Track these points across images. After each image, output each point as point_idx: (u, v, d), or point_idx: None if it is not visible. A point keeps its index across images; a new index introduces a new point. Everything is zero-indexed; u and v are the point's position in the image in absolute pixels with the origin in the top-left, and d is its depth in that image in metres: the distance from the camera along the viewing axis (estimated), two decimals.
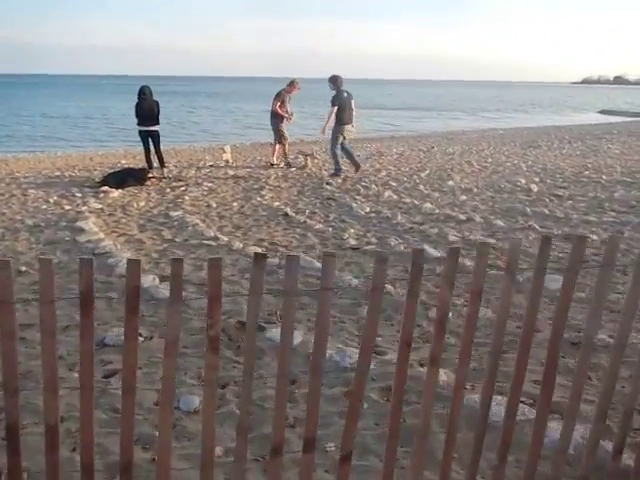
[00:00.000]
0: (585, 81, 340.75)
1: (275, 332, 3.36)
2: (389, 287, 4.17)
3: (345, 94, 9.36)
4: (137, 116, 9.41)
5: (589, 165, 11.35)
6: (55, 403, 1.71)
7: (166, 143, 9.87)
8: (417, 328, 3.52)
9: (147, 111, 9.30)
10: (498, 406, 2.36)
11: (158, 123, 9.42)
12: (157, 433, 1.95)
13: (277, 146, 10.93)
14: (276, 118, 10.53)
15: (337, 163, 9.59)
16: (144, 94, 9.37)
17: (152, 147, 9.44)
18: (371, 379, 2.85)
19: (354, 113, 9.55)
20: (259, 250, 5.22)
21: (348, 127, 9.45)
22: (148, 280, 4.26)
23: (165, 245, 5.44)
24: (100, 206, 7.17)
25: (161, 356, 3.23)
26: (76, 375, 2.99)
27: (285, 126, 10.61)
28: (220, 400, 2.76)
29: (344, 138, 9.50)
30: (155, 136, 9.43)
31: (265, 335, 3.38)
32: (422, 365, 3.03)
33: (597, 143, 16.77)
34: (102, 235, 5.66)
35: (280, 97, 10.42)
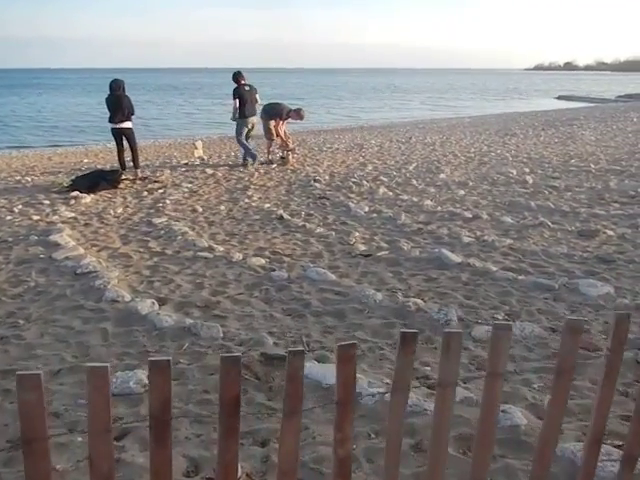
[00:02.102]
0: (537, 67, 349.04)
1: (309, 366, 2.90)
2: (419, 302, 3.76)
3: (247, 87, 9.69)
4: (110, 112, 8.63)
5: (572, 153, 11.25)
6: None
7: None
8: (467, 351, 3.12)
9: (120, 107, 8.54)
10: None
11: (131, 120, 8.70)
12: None
13: (268, 142, 10.46)
14: (267, 116, 10.04)
15: (248, 150, 10.03)
16: (116, 88, 8.60)
17: (126, 145, 8.71)
18: None
19: (258, 103, 9.92)
20: (262, 261, 4.73)
21: (251, 119, 9.80)
22: (146, 306, 3.72)
23: (155, 259, 4.87)
24: (73, 214, 6.49)
25: (181, 405, 2.75)
26: (80, 439, 2.47)
27: (275, 126, 10.08)
28: (264, 463, 2.29)
29: (249, 130, 9.88)
30: (129, 134, 8.71)
31: None
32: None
33: (570, 130, 16.83)
34: (81, 250, 5.04)
35: (283, 117, 10.04)
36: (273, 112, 10.11)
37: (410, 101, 44.28)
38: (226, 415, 1.35)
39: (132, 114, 8.66)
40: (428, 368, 2.97)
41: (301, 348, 1.41)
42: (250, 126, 9.79)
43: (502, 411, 2.45)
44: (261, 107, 10.07)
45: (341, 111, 33.44)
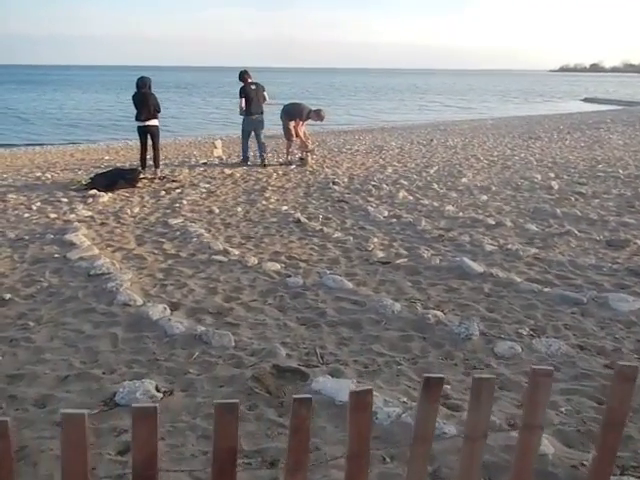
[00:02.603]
0: (562, 69, 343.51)
1: (322, 380, 2.78)
2: (439, 314, 3.61)
3: (253, 86, 9.79)
4: (137, 109, 8.59)
5: (599, 158, 10.92)
6: None
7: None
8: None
9: (146, 104, 8.51)
10: None
11: (157, 117, 8.66)
12: None
13: (287, 142, 10.44)
14: (287, 117, 10.02)
15: (244, 151, 10.31)
16: (142, 86, 8.57)
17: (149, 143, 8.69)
18: (458, 450, 2.28)
19: (267, 102, 10.04)
20: (277, 266, 4.62)
21: (258, 117, 9.87)
22: (157, 311, 3.63)
23: (170, 262, 4.80)
24: (90, 213, 6.47)
25: (189, 419, 2.65)
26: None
27: (295, 126, 10.03)
28: None
29: (257, 128, 9.94)
30: (155, 131, 8.68)
31: (310, 386, 2.78)
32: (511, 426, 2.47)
33: (596, 133, 16.42)
34: (96, 250, 4.99)
35: (304, 117, 9.98)
36: (293, 112, 10.02)
37: (430, 102, 43.84)
38: (219, 472, 1.18)
39: (158, 112, 8.66)
40: (448, 386, 2.82)
41: (309, 395, 1.25)
42: (256, 125, 9.88)
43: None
44: (269, 105, 10.22)
45: (360, 112, 33.18)
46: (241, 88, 9.78)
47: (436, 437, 2.38)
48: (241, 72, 9.93)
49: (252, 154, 10.59)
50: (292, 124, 10.00)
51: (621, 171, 9.18)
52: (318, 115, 10.02)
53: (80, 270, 4.49)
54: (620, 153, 11.65)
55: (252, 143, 10.42)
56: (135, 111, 8.65)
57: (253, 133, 10.02)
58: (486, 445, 2.31)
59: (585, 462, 2.15)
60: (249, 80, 9.80)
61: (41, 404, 2.68)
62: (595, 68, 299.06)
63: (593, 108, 36.08)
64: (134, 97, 8.65)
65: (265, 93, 9.94)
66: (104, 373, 2.96)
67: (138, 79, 8.66)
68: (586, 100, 47.44)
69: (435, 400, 1.32)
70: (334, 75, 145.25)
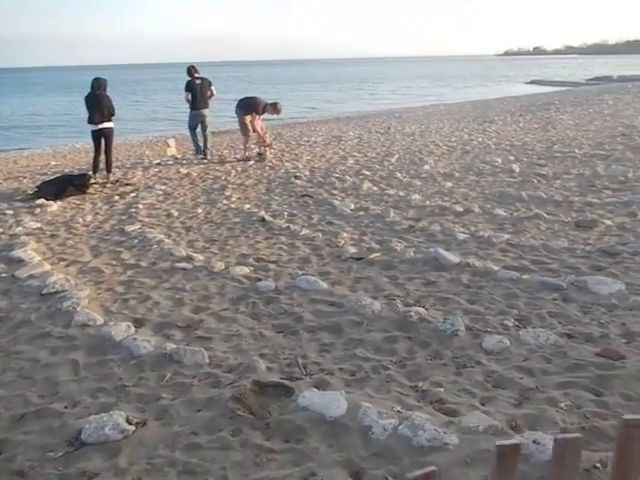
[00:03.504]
0: (507, 53, 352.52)
1: (309, 395, 2.58)
2: (421, 310, 3.46)
3: (199, 81, 9.83)
4: (89, 112, 8.06)
5: (554, 139, 11.08)
6: None
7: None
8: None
9: (99, 107, 7.99)
10: None
11: (111, 120, 8.17)
12: None
13: (244, 138, 10.13)
14: (242, 111, 9.74)
15: (195, 144, 10.29)
16: (97, 87, 8.03)
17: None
18: (464, 462, 2.13)
19: (214, 97, 10.08)
20: (246, 270, 4.38)
21: (203, 111, 9.87)
22: (121, 330, 3.34)
23: (129, 273, 4.48)
24: (38, 225, 6.02)
25: (167, 452, 2.40)
26: None
27: (251, 121, 9.74)
28: None
29: (202, 122, 9.95)
30: (109, 134, 8.18)
31: (296, 402, 2.57)
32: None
33: (547, 115, 16.73)
34: (47, 266, 4.61)
35: (260, 111, 9.77)
36: (249, 107, 9.72)
37: (380, 91, 43.96)
38: None
39: (112, 114, 8.15)
40: (441, 389, 2.67)
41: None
42: (200, 118, 9.89)
43: (534, 442, 2.16)
44: (216, 100, 10.43)
45: (309, 103, 32.81)
46: (187, 82, 9.82)
47: (438, 449, 2.24)
48: (188, 67, 9.96)
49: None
50: (248, 118, 9.69)
51: (577, 151, 9.31)
52: (275, 108, 9.75)
53: (31, 289, 4.12)
54: (573, 133, 11.87)
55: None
56: (87, 113, 8.11)
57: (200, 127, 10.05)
58: (492, 453, 2.19)
59: (597, 464, 2.04)
60: (195, 75, 9.83)
61: None
62: (538, 51, 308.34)
63: (539, 90, 36.98)
64: (87, 99, 8.11)
65: (212, 88, 9.97)
66: (66, 407, 2.66)
67: (93, 80, 8.13)
68: (532, 82, 48.65)
69: (512, 472, 1.11)
70: (270, 67, 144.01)
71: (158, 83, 64.76)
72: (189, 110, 9.93)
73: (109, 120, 8.09)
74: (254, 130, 9.79)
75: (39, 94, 49.34)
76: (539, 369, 2.81)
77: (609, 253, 4.39)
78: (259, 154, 9.89)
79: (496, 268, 4.14)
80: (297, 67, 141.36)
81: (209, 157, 10.17)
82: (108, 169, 8.26)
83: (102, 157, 8.30)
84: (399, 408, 2.50)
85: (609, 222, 5.24)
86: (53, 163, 12.14)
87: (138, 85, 59.65)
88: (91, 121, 8.07)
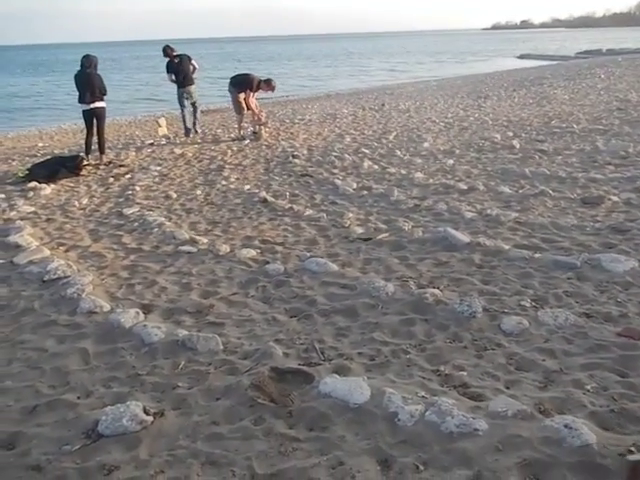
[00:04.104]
0: (494, 27, 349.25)
1: (330, 381, 2.52)
2: (436, 292, 3.40)
3: (177, 59, 9.85)
4: (79, 91, 7.76)
5: (550, 114, 10.99)
6: None
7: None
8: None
9: (90, 85, 7.68)
10: None
11: (103, 99, 7.89)
12: None
13: (238, 117, 9.94)
14: (235, 89, 9.53)
15: (185, 125, 10.30)
16: (87, 65, 7.70)
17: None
18: (496, 449, 2.09)
19: (197, 71, 10.14)
20: (252, 252, 4.28)
21: (189, 88, 9.92)
22: (129, 317, 3.25)
23: (132, 257, 4.37)
24: (33, 209, 5.85)
25: (188, 443, 2.33)
26: None
27: (245, 98, 9.56)
28: None
29: (190, 99, 10.05)
30: (101, 114, 7.90)
31: (317, 389, 2.50)
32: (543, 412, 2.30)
33: (540, 89, 16.61)
34: (47, 251, 4.48)
35: (254, 88, 9.52)
36: (242, 84, 9.49)
37: (368, 66, 43.41)
38: None
39: (104, 94, 7.87)
40: (464, 373, 2.62)
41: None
42: (187, 95, 9.97)
43: (565, 426, 2.12)
44: (201, 78, 10.83)
45: (298, 80, 32.29)
46: (167, 63, 9.89)
47: (467, 436, 2.19)
48: (164, 48, 9.95)
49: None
50: (242, 96, 9.48)
51: (575, 126, 9.24)
52: (269, 85, 9.52)
53: (32, 276, 4.00)
54: (569, 108, 11.78)
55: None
56: (78, 93, 7.82)
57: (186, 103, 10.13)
58: (523, 438, 2.15)
59: (632, 448, 2.00)
60: (173, 54, 9.86)
61: (9, 445, 2.29)
62: (525, 25, 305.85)
63: (530, 64, 36.73)
64: (77, 77, 7.80)
65: (194, 62, 9.99)
66: (79, 398, 2.58)
67: (83, 57, 7.79)
68: (522, 57, 48.33)
69: None
70: (265, 44, 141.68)
71: (138, 62, 63.31)
72: (176, 88, 9.98)
73: (101, 99, 7.83)
74: (248, 108, 9.58)
75: (20, 74, 48.11)
76: (561, 350, 2.77)
77: (619, 230, 4.35)
78: (254, 133, 9.71)
79: (507, 247, 4.08)
80: (278, 43, 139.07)
81: (199, 131, 10.44)
82: (101, 150, 8.04)
83: (94, 138, 8.07)
84: (423, 393, 2.44)
85: (615, 198, 5.19)
86: (40, 145, 11.85)
87: (117, 64, 58.14)
88: (82, 100, 7.78)
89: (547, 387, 2.50)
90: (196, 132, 10.38)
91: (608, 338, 2.84)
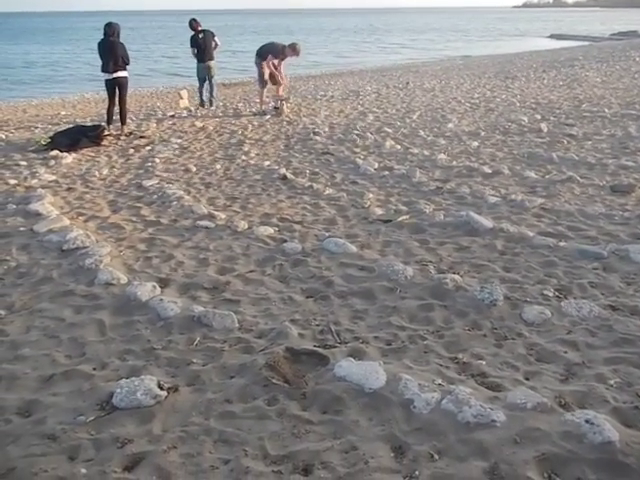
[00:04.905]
0: (526, 5, 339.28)
1: (346, 365, 2.49)
2: (456, 277, 3.33)
3: (201, 35, 10.04)
4: (102, 59, 7.66)
5: (581, 97, 10.67)
6: None
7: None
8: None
9: (114, 54, 7.57)
10: None
11: (126, 69, 7.80)
12: None
13: (260, 91, 9.96)
14: (261, 59, 9.50)
15: (200, 96, 10.62)
16: (110, 33, 7.58)
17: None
18: (513, 441, 2.04)
19: (218, 48, 10.39)
20: (270, 230, 4.24)
21: (209, 63, 10.15)
22: (146, 290, 3.24)
23: (150, 230, 4.36)
24: (54, 177, 5.87)
25: (201, 420, 2.33)
26: (84, 471, 2.04)
27: (277, 67, 9.56)
28: None
29: (209, 74, 10.28)
30: (124, 84, 7.82)
31: (332, 372, 2.47)
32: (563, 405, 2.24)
33: (572, 71, 16.12)
34: (66, 221, 4.49)
35: (281, 55, 9.50)
36: (269, 52, 9.42)
37: (393, 43, 42.60)
38: None
39: (127, 63, 7.78)
40: (483, 362, 2.56)
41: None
42: (207, 70, 10.19)
43: (587, 421, 2.06)
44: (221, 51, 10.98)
45: (323, 57, 31.75)
46: (191, 37, 10.07)
47: (485, 426, 2.14)
48: (190, 21, 10.13)
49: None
50: (267, 71, 9.42)
51: (607, 110, 8.95)
52: (294, 50, 9.37)
53: (51, 245, 4.02)
54: (601, 91, 11.41)
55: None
56: (101, 62, 7.73)
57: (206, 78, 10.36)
58: (542, 432, 2.10)
59: None
60: (198, 28, 10.04)
61: (25, 412, 2.31)
62: (558, 3, 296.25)
63: (561, 45, 35.71)
64: (100, 45, 7.68)
65: (216, 39, 10.21)
66: (95, 369, 2.59)
67: (105, 25, 7.66)
68: (552, 37, 46.98)
69: None
70: (284, 17, 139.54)
71: (156, 32, 62.84)
72: (196, 63, 10.20)
73: (124, 69, 7.76)
74: (275, 82, 9.53)
75: (39, 42, 48.14)
76: (584, 343, 2.69)
77: None
78: (275, 108, 9.59)
79: (531, 234, 3.98)
80: (295, 17, 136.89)
81: (214, 107, 10.57)
82: (122, 121, 8.01)
83: (115, 108, 8.05)
84: (440, 381, 2.40)
85: None
86: (63, 113, 11.91)
87: (133, 32, 57.67)
88: (105, 69, 7.70)
89: (568, 380, 2.43)
90: (210, 105, 10.53)
91: (634, 332, 2.76)
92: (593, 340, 2.72)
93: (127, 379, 2.42)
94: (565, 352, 2.63)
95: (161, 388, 2.40)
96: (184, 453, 2.08)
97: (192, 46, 10.07)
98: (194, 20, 10.11)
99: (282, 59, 9.48)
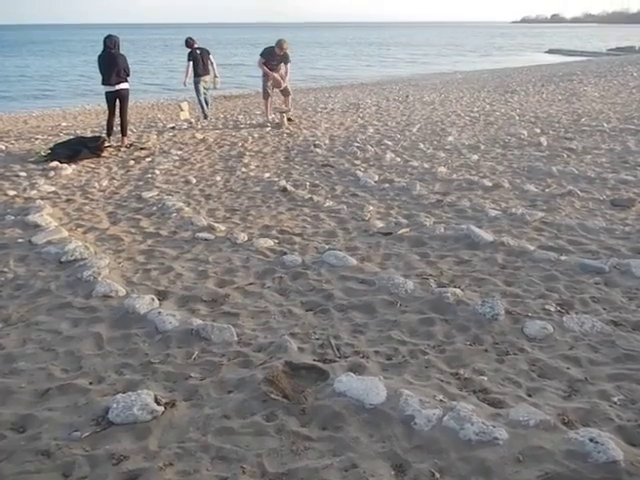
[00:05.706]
0: (524, 20, 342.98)
1: (346, 380, 2.45)
2: (457, 291, 3.30)
3: (198, 51, 10.65)
4: (102, 72, 7.69)
5: (580, 111, 10.71)
6: None
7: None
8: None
9: (114, 66, 7.60)
10: None
11: (127, 80, 7.83)
12: None
13: (265, 102, 10.21)
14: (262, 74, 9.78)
15: (201, 109, 11.17)
16: (111, 46, 7.60)
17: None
18: (516, 460, 2.00)
19: (214, 66, 10.86)
20: (270, 242, 4.22)
21: (204, 78, 10.76)
22: (145, 303, 3.21)
23: (149, 242, 4.34)
24: (53, 189, 5.86)
25: (198, 436, 2.29)
26: None
27: (269, 82, 9.71)
28: None
29: (204, 88, 10.91)
30: (125, 96, 7.85)
31: (332, 387, 2.44)
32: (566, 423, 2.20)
33: (570, 86, 16.22)
34: (65, 232, 4.47)
35: (275, 53, 9.67)
36: (262, 56, 9.67)
37: (391, 57, 42.94)
38: None
39: (128, 75, 7.81)
40: (484, 378, 2.53)
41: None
42: (202, 84, 10.80)
43: (590, 440, 2.03)
44: (219, 66, 11.31)
45: (320, 71, 31.90)
46: (189, 53, 10.63)
47: (486, 444, 2.10)
48: (186, 39, 10.75)
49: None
50: (270, 83, 9.57)
51: (605, 124, 8.98)
52: (280, 47, 9.51)
53: (49, 257, 3.99)
54: (599, 106, 11.47)
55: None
56: (101, 75, 7.74)
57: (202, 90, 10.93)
58: (545, 450, 2.07)
59: None
60: (195, 45, 10.67)
61: (20, 428, 2.27)
62: (556, 19, 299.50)
63: (559, 59, 36.01)
64: (101, 58, 7.71)
65: (211, 57, 10.77)
66: (91, 383, 2.55)
67: (105, 38, 7.68)
68: (550, 52, 47.40)
69: None
70: (276, 30, 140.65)
71: (153, 44, 63.31)
72: (193, 77, 10.74)
73: (125, 81, 7.78)
74: (287, 92, 9.76)
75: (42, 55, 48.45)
76: (587, 359, 2.66)
77: None
78: (289, 120, 9.68)
79: (532, 248, 3.96)
80: (294, 30, 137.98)
81: (209, 115, 11.21)
82: (123, 132, 8.02)
83: (116, 119, 8.06)
84: (441, 397, 2.36)
85: None
86: (64, 124, 11.95)
87: (132, 45, 58.01)
88: (106, 82, 7.71)
89: (571, 397, 2.40)
90: (205, 117, 11.00)
91: (637, 348, 2.73)
92: (596, 356, 2.69)
93: (124, 394, 2.38)
94: (568, 368, 2.60)
95: (158, 403, 2.36)
96: (180, 470, 2.04)
97: (189, 60, 10.63)
98: (190, 38, 10.74)
99: (279, 61, 9.62)
